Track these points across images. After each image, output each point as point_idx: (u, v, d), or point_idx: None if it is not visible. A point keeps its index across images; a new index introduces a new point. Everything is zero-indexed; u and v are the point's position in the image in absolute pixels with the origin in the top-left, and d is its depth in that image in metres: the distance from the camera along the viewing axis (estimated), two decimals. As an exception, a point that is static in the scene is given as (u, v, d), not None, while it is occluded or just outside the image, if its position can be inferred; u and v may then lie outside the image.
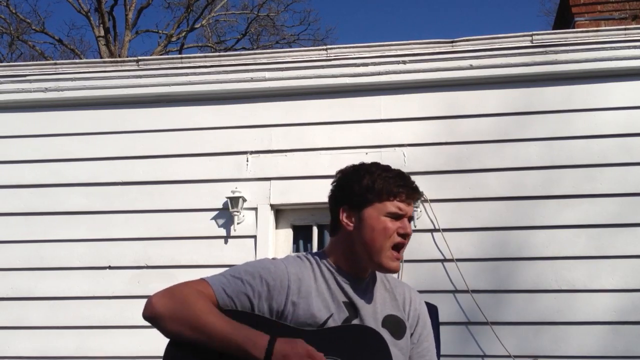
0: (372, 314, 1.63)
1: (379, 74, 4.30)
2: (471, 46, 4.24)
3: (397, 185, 1.63)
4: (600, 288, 3.88)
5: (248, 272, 1.59)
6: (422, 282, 3.95)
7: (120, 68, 4.60)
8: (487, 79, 4.23)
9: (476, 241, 4.05)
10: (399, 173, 1.67)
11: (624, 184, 3.98)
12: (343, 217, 1.66)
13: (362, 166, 1.70)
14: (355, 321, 1.60)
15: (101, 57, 15.99)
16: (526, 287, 3.94)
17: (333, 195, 1.71)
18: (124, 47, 17.14)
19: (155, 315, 1.52)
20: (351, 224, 1.65)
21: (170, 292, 1.54)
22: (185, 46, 18.50)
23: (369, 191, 1.62)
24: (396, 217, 1.62)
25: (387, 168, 1.68)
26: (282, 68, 4.38)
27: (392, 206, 1.62)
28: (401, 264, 4.24)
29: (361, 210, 1.63)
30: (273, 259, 1.68)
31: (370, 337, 1.54)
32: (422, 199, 4.11)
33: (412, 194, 1.65)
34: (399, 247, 1.63)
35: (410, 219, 1.67)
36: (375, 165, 1.69)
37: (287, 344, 1.46)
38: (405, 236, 1.63)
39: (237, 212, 4.20)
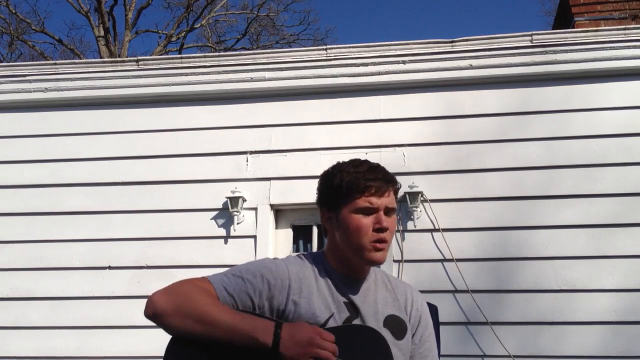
0: (373, 314, 1.63)
1: (378, 74, 4.30)
2: (471, 46, 4.25)
3: (365, 179, 1.59)
4: (600, 288, 3.88)
5: (249, 270, 1.59)
6: (422, 282, 3.95)
7: (119, 68, 4.60)
8: (487, 78, 4.23)
9: (476, 241, 4.05)
10: (370, 167, 1.63)
11: (623, 184, 3.99)
12: (324, 219, 1.67)
13: (337, 166, 1.67)
14: (356, 321, 1.60)
15: (101, 57, 15.99)
16: (526, 287, 3.94)
17: (316, 197, 1.71)
18: (123, 47, 17.13)
19: (157, 312, 1.51)
20: (330, 225, 1.65)
21: (172, 289, 1.54)
22: (185, 46, 18.50)
23: (339, 190, 1.61)
24: (368, 212, 1.59)
25: (359, 163, 1.64)
26: (281, 68, 4.38)
27: (362, 202, 1.58)
28: (401, 263, 4.22)
29: (337, 210, 1.62)
30: (274, 258, 1.67)
31: (371, 336, 1.54)
32: (422, 198, 4.11)
33: (383, 185, 1.60)
34: (379, 242, 1.59)
35: (390, 210, 1.62)
36: (350, 162, 1.66)
37: (294, 327, 1.48)
38: (382, 230, 1.58)
39: (237, 212, 4.20)
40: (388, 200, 1.61)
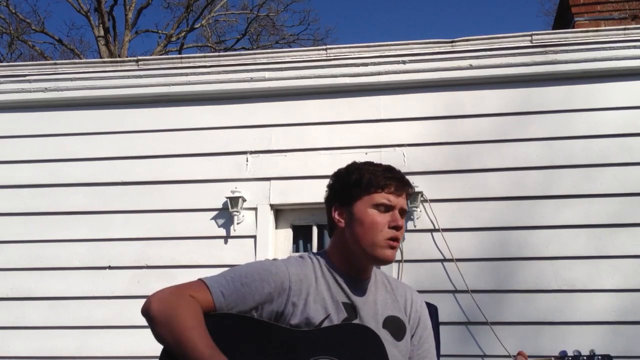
0: (373, 315, 1.63)
1: (378, 74, 4.30)
2: (471, 46, 4.25)
3: (385, 177, 1.63)
4: (600, 288, 3.88)
5: (248, 273, 1.58)
6: (422, 282, 3.95)
7: (119, 68, 4.60)
8: (487, 78, 4.23)
9: (476, 241, 4.05)
10: (388, 167, 1.68)
11: (624, 184, 3.99)
12: (335, 215, 1.67)
13: (352, 164, 1.71)
14: (355, 322, 1.59)
15: (101, 57, 15.98)
16: (526, 287, 3.94)
17: (327, 195, 1.73)
18: (123, 47, 17.12)
19: (149, 316, 1.51)
20: (342, 221, 1.65)
21: (167, 296, 1.53)
22: (184, 46, 18.49)
23: (357, 185, 1.63)
24: (386, 208, 1.61)
25: (377, 164, 1.69)
26: (281, 68, 4.38)
27: (381, 197, 1.61)
28: (401, 263, 4.22)
29: (351, 205, 1.64)
30: (274, 259, 1.67)
31: (365, 335, 1.54)
32: (422, 198, 4.11)
33: (401, 185, 1.64)
34: (394, 240, 1.61)
35: (403, 212, 1.65)
36: (367, 162, 1.70)
37: None
38: (397, 228, 1.61)
39: (237, 212, 4.20)
40: (403, 201, 1.65)
